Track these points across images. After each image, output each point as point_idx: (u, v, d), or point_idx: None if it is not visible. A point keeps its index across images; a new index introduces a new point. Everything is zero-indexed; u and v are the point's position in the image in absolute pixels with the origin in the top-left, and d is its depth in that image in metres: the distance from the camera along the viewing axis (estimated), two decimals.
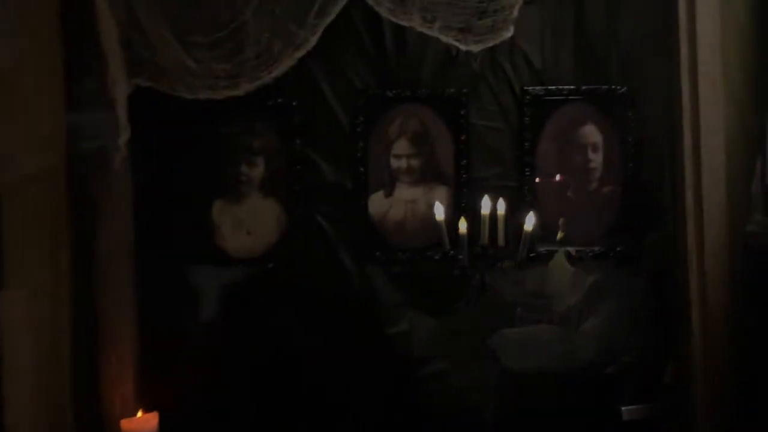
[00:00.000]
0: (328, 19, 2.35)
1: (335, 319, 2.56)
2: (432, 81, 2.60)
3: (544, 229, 2.60)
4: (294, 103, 2.57)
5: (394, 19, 2.32)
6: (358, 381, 2.54)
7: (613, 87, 2.61)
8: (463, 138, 2.59)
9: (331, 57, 2.58)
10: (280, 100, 2.56)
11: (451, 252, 2.59)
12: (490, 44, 2.39)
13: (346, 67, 2.59)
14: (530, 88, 2.60)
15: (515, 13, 2.30)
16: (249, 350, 2.54)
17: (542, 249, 2.59)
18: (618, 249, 2.60)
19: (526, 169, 2.59)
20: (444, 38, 2.36)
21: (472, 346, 2.58)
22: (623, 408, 2.52)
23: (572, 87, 2.61)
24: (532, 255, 2.59)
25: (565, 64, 2.61)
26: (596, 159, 2.61)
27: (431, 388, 2.55)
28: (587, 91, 2.60)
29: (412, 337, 2.56)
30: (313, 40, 2.34)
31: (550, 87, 2.60)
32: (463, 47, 2.36)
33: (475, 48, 2.39)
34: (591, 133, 2.61)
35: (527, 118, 2.59)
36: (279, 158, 2.58)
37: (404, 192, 2.60)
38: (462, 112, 2.58)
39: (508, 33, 2.36)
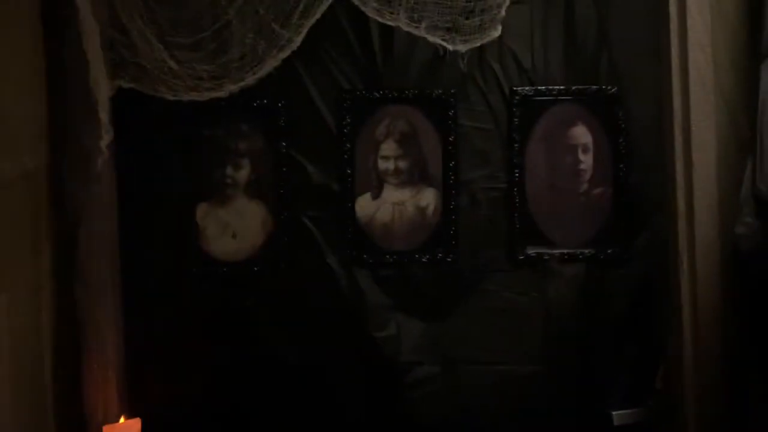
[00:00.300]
0: (313, 19, 2.32)
1: (322, 323, 2.52)
2: (420, 81, 2.57)
3: (535, 232, 2.56)
4: (280, 104, 2.53)
5: (380, 19, 2.30)
6: (344, 385, 2.51)
7: (604, 87, 2.57)
8: (451, 139, 2.55)
9: (318, 57, 2.55)
10: (265, 102, 2.52)
11: (440, 255, 2.56)
12: (478, 44, 2.36)
13: (333, 68, 2.56)
14: (519, 88, 2.56)
15: (503, 12, 2.27)
16: (234, 355, 2.50)
17: (532, 252, 2.56)
18: (609, 251, 2.56)
19: (516, 171, 2.56)
20: (431, 38, 2.34)
21: (462, 350, 2.54)
22: (614, 412, 2.50)
23: (562, 87, 2.57)
24: (521, 258, 2.55)
25: (554, 64, 2.58)
26: (586, 160, 2.57)
27: (419, 393, 2.51)
28: (577, 91, 2.57)
29: (400, 341, 2.53)
30: (298, 41, 2.31)
31: (539, 87, 2.57)
32: (450, 47, 2.34)
33: (463, 48, 2.36)
34: (581, 134, 2.57)
35: (516, 119, 2.55)
36: (265, 160, 2.54)
37: (392, 194, 2.57)
38: (450, 113, 2.55)
39: (496, 33, 2.34)
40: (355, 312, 2.53)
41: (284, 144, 2.53)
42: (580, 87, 2.57)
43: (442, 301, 2.56)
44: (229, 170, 2.54)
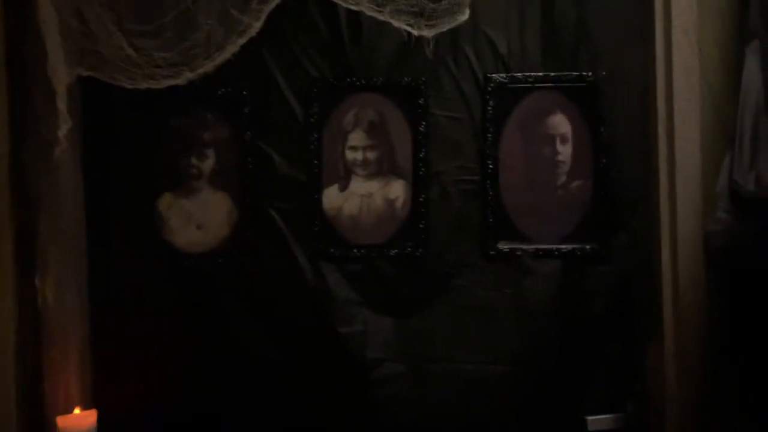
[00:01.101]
0: (272, 4, 2.25)
1: (286, 317, 2.46)
2: (390, 68, 2.46)
3: (508, 226, 2.44)
4: (245, 93, 2.46)
5: (343, 4, 2.21)
6: (309, 381, 2.45)
7: (584, 74, 2.43)
8: (421, 129, 2.44)
9: (285, 44, 2.47)
10: (230, 90, 2.46)
11: (409, 249, 2.47)
12: (445, 29, 2.26)
13: (301, 55, 2.47)
14: (494, 75, 2.43)
15: None
16: (198, 347, 2.46)
17: (505, 247, 2.44)
18: (587, 248, 2.42)
19: (489, 162, 2.43)
20: (395, 23, 2.24)
21: (431, 348, 2.45)
22: (588, 418, 2.37)
23: (539, 74, 2.43)
24: (493, 253, 2.44)
25: (531, 49, 2.44)
26: (565, 151, 2.43)
27: (386, 391, 2.43)
28: (556, 78, 2.42)
29: (367, 337, 2.44)
30: (257, 26, 2.24)
31: (515, 74, 2.43)
32: (415, 32, 2.24)
33: (428, 33, 2.26)
34: (559, 123, 2.44)
35: (490, 108, 2.43)
36: (230, 150, 2.48)
37: (360, 186, 2.48)
38: (420, 101, 2.44)
39: (463, 16, 2.23)
40: (321, 307, 2.46)
41: (250, 134, 2.47)
42: (559, 74, 2.43)
43: (410, 297, 2.47)
44: (194, 160, 2.48)
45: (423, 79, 2.44)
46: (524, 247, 2.43)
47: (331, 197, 2.48)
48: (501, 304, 2.43)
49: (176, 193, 2.49)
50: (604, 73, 2.41)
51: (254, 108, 2.47)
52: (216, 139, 2.48)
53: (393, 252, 2.46)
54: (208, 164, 2.49)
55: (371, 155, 2.46)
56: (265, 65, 2.46)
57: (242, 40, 2.28)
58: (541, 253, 2.42)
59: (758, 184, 1.87)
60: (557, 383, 2.40)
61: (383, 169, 2.47)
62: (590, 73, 2.41)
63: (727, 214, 1.90)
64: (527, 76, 2.43)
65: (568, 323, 2.41)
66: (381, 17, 2.24)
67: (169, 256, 2.48)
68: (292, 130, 2.47)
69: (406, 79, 2.44)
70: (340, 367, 2.44)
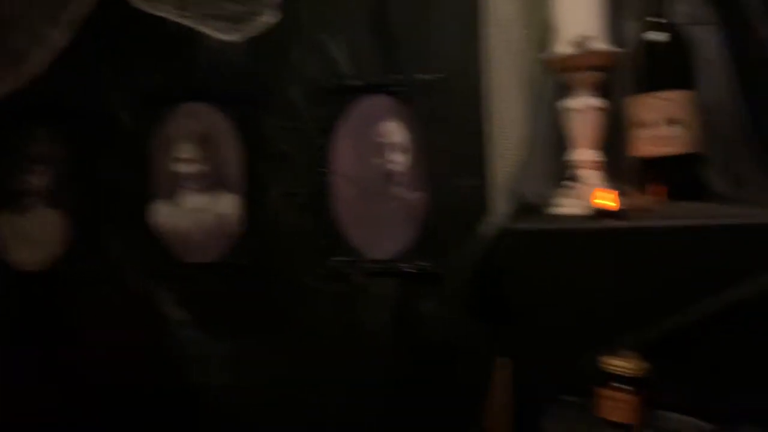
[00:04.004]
0: (79, 16, 2.20)
1: (115, 340, 2.36)
2: (222, 76, 2.33)
3: (342, 241, 2.27)
4: (73, 105, 2.39)
5: (148, 10, 2.13)
6: (140, 409, 2.34)
7: (421, 76, 2.21)
8: (251, 140, 2.30)
9: (113, 55, 2.38)
10: (58, 102, 2.39)
11: (241, 267, 2.33)
12: (255, 33, 2.16)
13: (130, 64, 2.38)
14: (325, 80, 2.27)
15: None
16: (29, 370, 2.40)
17: (337, 263, 2.26)
18: (424, 265, 2.21)
19: (321, 173, 2.27)
20: (202, 28, 2.14)
21: (269, 376, 2.29)
22: None
23: (372, 78, 2.24)
24: (322, 271, 2.27)
25: (364, 51, 2.25)
26: (398, 160, 2.24)
27: (214, 416, 2.29)
28: (389, 81, 2.23)
29: (196, 361, 2.32)
30: (63, 41, 2.21)
31: (347, 79, 2.25)
32: (222, 37, 2.14)
33: (236, 38, 2.15)
34: (391, 130, 2.24)
35: (321, 116, 2.26)
36: (61, 164, 2.41)
37: (189, 200, 2.36)
38: (250, 110, 2.30)
39: (273, 18, 2.12)
40: (151, 329, 2.34)
41: (79, 147, 2.40)
42: (393, 77, 2.22)
43: (244, 319, 2.32)
44: (26, 176, 2.43)
45: (252, 87, 2.30)
46: (356, 262, 2.24)
47: (161, 212, 2.37)
48: (334, 326, 2.25)
49: (11, 210, 2.44)
50: (441, 75, 2.19)
51: (83, 120, 2.39)
52: (47, 153, 2.42)
53: (225, 271, 2.33)
54: (41, 179, 2.43)
55: (199, 168, 2.35)
56: (96, 76, 2.38)
57: (50, 56, 2.23)
58: (374, 269, 2.23)
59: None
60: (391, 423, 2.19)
61: (213, 182, 2.34)
62: (426, 76, 2.20)
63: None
64: (359, 80, 2.25)
65: (405, 353, 2.20)
66: (185, 22, 2.14)
67: (3, 276, 2.42)
68: (121, 143, 2.38)
69: (233, 87, 2.31)
70: (171, 393, 2.32)
